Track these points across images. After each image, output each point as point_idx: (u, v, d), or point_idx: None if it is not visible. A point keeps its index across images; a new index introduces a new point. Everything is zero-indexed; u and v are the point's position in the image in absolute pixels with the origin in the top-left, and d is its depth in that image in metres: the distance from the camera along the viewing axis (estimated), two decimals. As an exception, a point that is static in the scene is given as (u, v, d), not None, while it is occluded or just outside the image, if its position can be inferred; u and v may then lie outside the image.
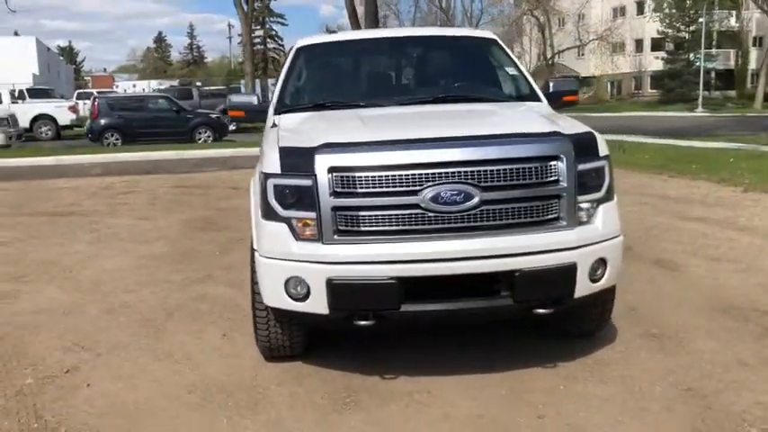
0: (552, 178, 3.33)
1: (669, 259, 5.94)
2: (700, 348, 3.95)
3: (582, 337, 4.07)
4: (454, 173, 3.23)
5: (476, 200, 3.23)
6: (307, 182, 3.28)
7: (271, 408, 3.39)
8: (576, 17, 55.62)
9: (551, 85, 4.79)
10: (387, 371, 3.72)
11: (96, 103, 21.25)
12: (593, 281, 3.47)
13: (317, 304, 3.31)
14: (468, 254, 3.23)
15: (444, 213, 3.22)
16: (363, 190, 3.25)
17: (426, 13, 69.16)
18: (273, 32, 77.33)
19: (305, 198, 3.29)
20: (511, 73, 4.81)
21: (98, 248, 7.11)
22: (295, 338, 3.78)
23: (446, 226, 3.24)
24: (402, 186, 3.22)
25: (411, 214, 3.23)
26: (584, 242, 3.38)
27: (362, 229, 3.26)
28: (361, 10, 21.51)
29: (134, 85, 53.13)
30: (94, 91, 40.35)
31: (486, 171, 3.24)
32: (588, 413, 3.24)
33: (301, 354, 3.93)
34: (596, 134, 3.59)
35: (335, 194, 3.25)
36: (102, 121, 20.77)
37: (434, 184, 3.21)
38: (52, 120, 26.82)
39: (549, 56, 53.12)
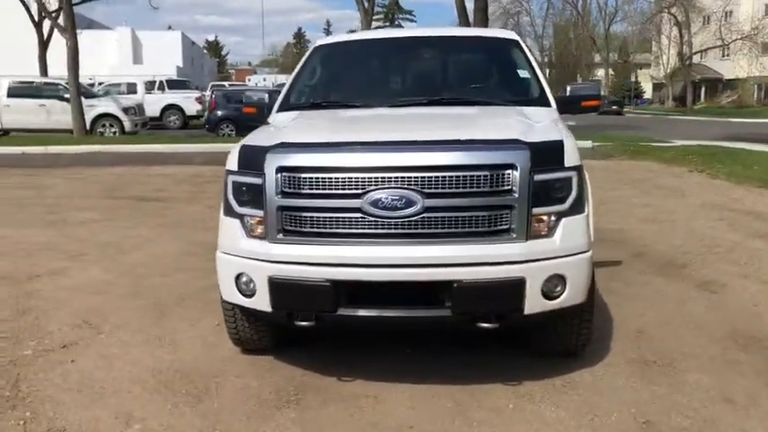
0: (503, 188, 3.17)
1: (715, 280, 5.48)
2: (688, 380, 3.63)
3: (565, 357, 3.87)
4: (397, 178, 3.16)
5: (418, 206, 3.14)
6: (257, 180, 3.33)
7: (216, 398, 3.48)
8: (721, 15, 51.93)
9: (568, 89, 4.59)
10: (350, 373, 3.71)
11: (213, 96, 22.45)
12: (550, 298, 3.28)
13: (261, 301, 3.36)
14: (405, 261, 3.15)
15: (385, 219, 3.16)
16: (308, 191, 3.25)
17: (560, 10, 67.29)
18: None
19: (256, 196, 3.35)
20: (522, 76, 4.62)
21: (158, 233, 7.54)
22: (261, 332, 3.85)
23: (386, 231, 3.18)
24: (345, 189, 3.20)
25: (352, 218, 3.19)
26: (535, 257, 3.20)
27: (305, 230, 3.27)
28: (470, 6, 21.26)
29: (264, 79, 55.49)
30: (226, 84, 42.63)
31: (429, 177, 3.15)
32: (524, 436, 3.08)
33: (272, 348, 3.99)
34: (567, 143, 3.38)
35: (282, 194, 3.28)
36: (219, 113, 21.88)
37: (376, 189, 3.16)
38: (180, 110, 28.62)
39: (686, 56, 49.94)
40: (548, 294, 3.27)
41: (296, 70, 4.89)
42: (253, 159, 3.38)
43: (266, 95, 17.87)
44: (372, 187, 3.17)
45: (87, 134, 20.62)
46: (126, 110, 21.86)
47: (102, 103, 22.14)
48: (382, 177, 3.17)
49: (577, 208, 3.34)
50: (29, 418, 3.28)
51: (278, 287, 3.28)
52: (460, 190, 3.16)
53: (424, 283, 3.18)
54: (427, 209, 3.15)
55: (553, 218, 3.27)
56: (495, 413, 3.29)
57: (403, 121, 3.97)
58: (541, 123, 3.77)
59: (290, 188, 3.27)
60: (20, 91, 21.33)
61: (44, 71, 27.19)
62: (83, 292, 5.35)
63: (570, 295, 3.32)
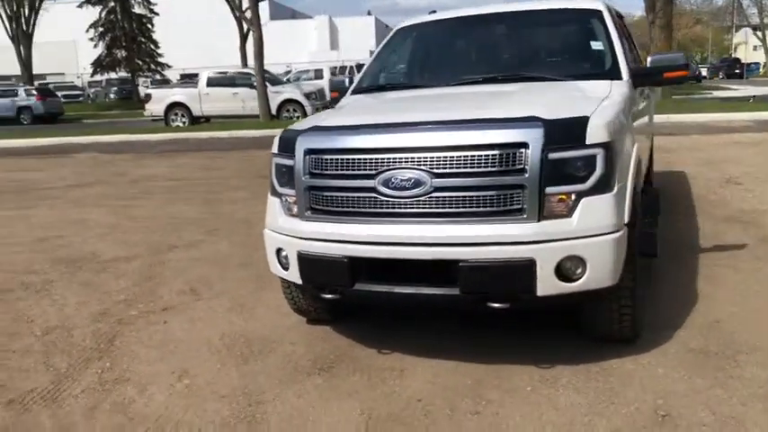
0: (514, 167, 3.13)
1: None
2: (743, 375, 3.33)
3: (617, 342, 3.70)
4: (406, 158, 3.24)
5: (426, 186, 3.20)
6: (290, 162, 3.58)
7: (261, 362, 3.81)
8: None
9: (649, 60, 4.27)
10: (393, 347, 3.87)
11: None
12: (568, 280, 3.18)
13: (294, 274, 3.62)
14: (413, 240, 3.23)
15: (395, 198, 3.26)
16: (330, 172, 3.44)
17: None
18: None
19: (290, 177, 3.60)
20: (595, 48, 4.39)
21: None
22: (317, 303, 4.11)
23: (396, 211, 3.27)
24: (360, 170, 3.34)
25: (367, 197, 3.33)
26: (548, 237, 3.12)
27: (328, 208, 3.47)
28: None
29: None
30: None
31: (438, 158, 3.19)
32: (525, 419, 3.05)
33: (333, 318, 4.24)
34: (595, 119, 3.22)
35: (310, 175, 3.50)
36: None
37: (388, 170, 3.27)
38: (362, 92, 29.76)
39: None
40: (565, 276, 3.18)
41: (375, 53, 5.05)
42: (289, 143, 3.63)
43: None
44: (384, 168, 3.28)
45: (273, 119, 22.27)
46: (308, 95, 23.25)
47: (287, 89, 23.76)
48: (393, 158, 3.27)
49: (602, 187, 3.18)
50: (107, 368, 3.84)
51: (305, 262, 3.52)
52: (469, 170, 3.16)
53: (431, 262, 3.23)
54: (437, 188, 3.20)
55: (573, 197, 3.16)
56: (509, 394, 3.27)
57: (440, 100, 4.00)
58: (583, 98, 3.62)
59: (315, 169, 3.48)
60: (216, 81, 23.56)
61: (244, 62, 29.69)
62: (203, 262, 5.99)
63: (593, 278, 3.19)
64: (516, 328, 3.99)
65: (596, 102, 3.53)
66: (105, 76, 48.33)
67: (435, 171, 3.19)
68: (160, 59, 44.83)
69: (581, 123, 3.19)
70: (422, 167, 3.21)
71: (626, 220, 3.29)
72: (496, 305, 3.23)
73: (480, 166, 3.15)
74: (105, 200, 9.61)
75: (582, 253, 3.15)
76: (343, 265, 3.38)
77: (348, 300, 3.58)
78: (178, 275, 5.60)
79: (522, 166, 3.12)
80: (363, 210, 3.35)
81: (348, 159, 3.37)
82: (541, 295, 3.18)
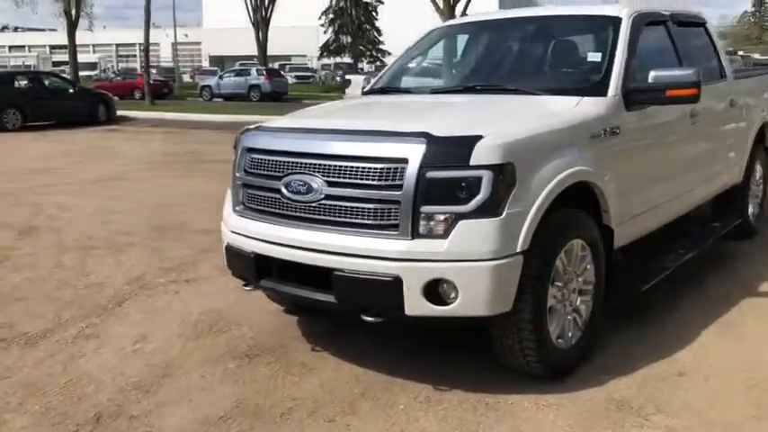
0: (392, 182, 3.08)
1: None
2: (638, 436, 2.97)
3: (545, 379, 3.46)
4: (305, 164, 3.34)
5: (318, 193, 3.27)
6: (234, 157, 3.83)
7: (210, 340, 4.12)
8: None
9: (651, 75, 3.84)
10: (332, 347, 3.96)
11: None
12: (438, 303, 3.07)
13: (227, 264, 3.88)
14: (298, 243, 3.32)
15: (292, 201, 3.37)
16: (254, 171, 3.63)
17: None
18: None
19: (233, 171, 3.85)
20: (592, 59, 4.02)
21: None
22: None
23: (292, 213, 3.38)
24: (272, 171, 3.49)
25: (273, 198, 3.48)
26: (416, 257, 3.04)
27: (249, 205, 3.67)
28: None
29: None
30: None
31: (330, 166, 3.24)
32: None
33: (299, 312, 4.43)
34: (485, 140, 3.03)
35: (244, 172, 3.72)
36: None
37: (291, 173, 3.39)
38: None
39: None
40: (438, 298, 3.07)
41: (400, 54, 5.07)
42: (236, 140, 3.87)
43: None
44: (289, 171, 3.40)
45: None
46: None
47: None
48: (295, 162, 3.38)
49: (485, 211, 3.01)
50: (91, 324, 4.40)
51: (229, 254, 3.76)
52: (354, 180, 3.18)
53: (311, 267, 3.30)
54: (327, 196, 3.26)
55: (452, 219, 3.03)
56: (379, 409, 3.25)
57: (377, 109, 4.00)
58: (518, 116, 3.42)
59: (247, 167, 3.69)
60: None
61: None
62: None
63: (464, 304, 3.05)
64: (471, 345, 3.83)
65: (531, 120, 3.32)
66: (334, 60, 51.76)
67: (327, 179, 3.25)
68: (381, 46, 46.95)
69: (467, 143, 3.03)
70: (316, 174, 3.29)
71: (519, 248, 3.08)
72: (369, 318, 3.22)
73: (364, 178, 3.15)
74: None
75: (451, 277, 3.03)
76: (251, 261, 3.56)
77: (260, 291, 3.76)
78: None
79: (399, 182, 3.06)
80: (269, 209, 3.51)
81: (266, 160, 3.54)
82: (411, 315, 3.11)
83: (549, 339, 3.34)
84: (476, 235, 3.01)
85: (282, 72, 41.51)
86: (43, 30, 77.37)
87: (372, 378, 3.56)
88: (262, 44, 41.43)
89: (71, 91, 21.20)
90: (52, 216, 7.72)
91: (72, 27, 35.31)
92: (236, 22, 51.35)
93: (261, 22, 41.17)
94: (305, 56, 64.65)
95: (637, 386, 3.41)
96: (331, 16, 46.14)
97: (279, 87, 36.59)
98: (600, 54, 4.03)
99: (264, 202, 3.54)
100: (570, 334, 3.52)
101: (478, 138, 3.05)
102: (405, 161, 3.06)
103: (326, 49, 47.18)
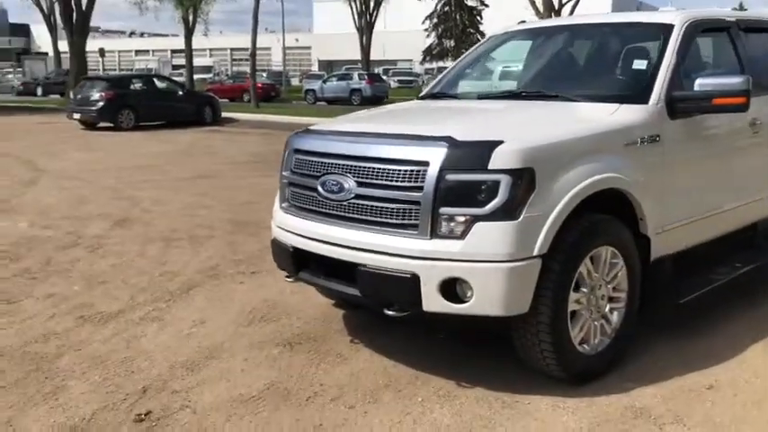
0: (415, 183, 3.24)
1: None
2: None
3: (567, 382, 3.51)
4: (338, 165, 3.54)
5: (349, 192, 3.47)
6: (282, 157, 4.10)
7: (259, 328, 4.41)
8: None
9: (698, 83, 3.79)
10: (370, 340, 4.15)
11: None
12: (454, 300, 3.20)
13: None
14: (329, 239, 3.53)
15: (327, 200, 3.59)
16: (297, 170, 3.88)
17: None
18: None
19: (281, 171, 4.12)
20: (636, 67, 3.99)
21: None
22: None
23: (326, 211, 3.60)
24: (312, 171, 3.72)
25: (311, 195, 3.71)
26: (433, 255, 3.17)
27: (292, 202, 3.92)
28: None
29: None
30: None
31: (360, 167, 3.44)
32: (382, 424, 3.19)
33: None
34: (505, 145, 3.13)
35: (290, 171, 3.98)
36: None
37: (327, 173, 3.61)
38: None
39: None
40: (453, 296, 3.20)
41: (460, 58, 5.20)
42: (287, 142, 4.14)
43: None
44: (325, 171, 3.62)
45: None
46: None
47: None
48: (331, 163, 3.60)
49: (503, 214, 3.11)
50: (158, 308, 4.80)
51: (274, 247, 4.03)
52: (380, 181, 3.36)
53: (340, 262, 3.50)
54: (357, 195, 3.45)
55: (470, 220, 3.15)
56: (399, 400, 3.41)
57: (419, 114, 4.10)
58: (548, 123, 3.49)
59: (292, 166, 3.94)
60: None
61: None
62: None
63: (479, 303, 3.16)
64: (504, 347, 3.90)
65: (559, 126, 3.39)
66: (437, 65, 51.90)
67: (357, 179, 3.45)
68: (484, 51, 46.68)
69: (487, 147, 3.14)
70: (347, 174, 3.49)
71: (536, 251, 3.15)
72: (390, 312, 3.38)
73: (389, 179, 3.33)
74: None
75: (467, 277, 3.14)
76: (290, 254, 3.81)
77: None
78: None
79: (420, 184, 3.21)
80: (307, 207, 3.74)
81: (307, 160, 3.78)
82: (428, 311, 3.25)
83: (570, 343, 3.38)
84: (491, 237, 3.12)
85: (385, 76, 42.15)
86: (166, 35, 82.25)
87: (400, 371, 3.72)
88: (365, 49, 42.22)
89: (180, 93, 22.56)
90: (145, 209, 8.34)
91: (189, 33, 37.44)
92: (344, 27, 52.52)
93: (365, 27, 41.97)
94: (411, 60, 65.19)
95: (662, 396, 3.40)
96: (435, 20, 46.39)
97: (379, 91, 37.22)
98: (645, 62, 4.01)
99: (304, 199, 3.78)
100: (597, 340, 3.54)
101: (499, 143, 3.16)
102: (426, 164, 3.21)
103: (429, 54, 47.46)
